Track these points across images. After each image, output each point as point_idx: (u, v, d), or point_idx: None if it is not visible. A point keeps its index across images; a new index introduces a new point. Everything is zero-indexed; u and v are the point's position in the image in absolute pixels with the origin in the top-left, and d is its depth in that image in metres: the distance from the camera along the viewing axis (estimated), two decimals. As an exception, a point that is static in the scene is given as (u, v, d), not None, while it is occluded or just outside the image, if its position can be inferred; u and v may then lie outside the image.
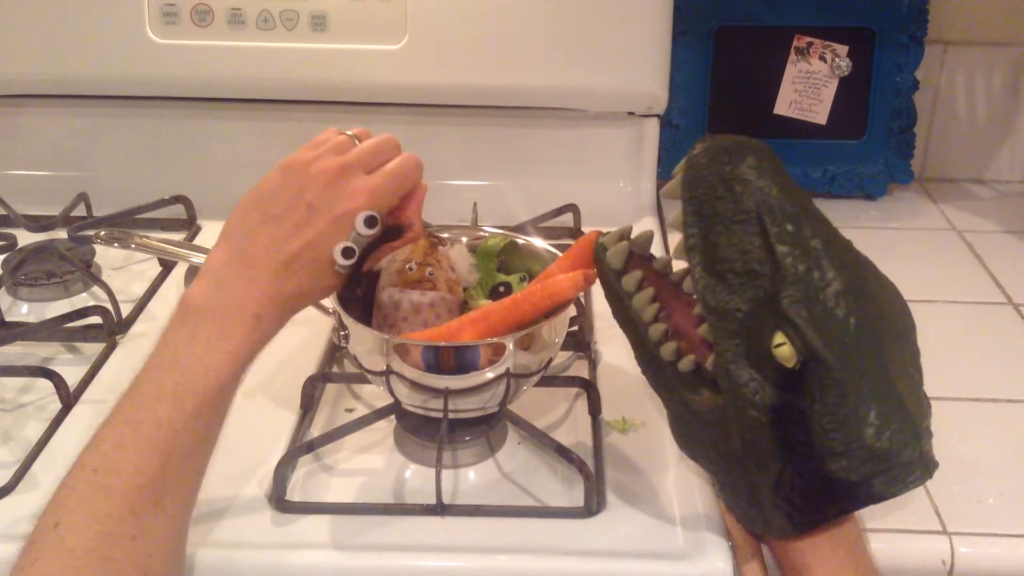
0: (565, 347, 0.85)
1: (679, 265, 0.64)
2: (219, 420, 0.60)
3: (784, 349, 0.56)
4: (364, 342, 0.71)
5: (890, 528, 0.69)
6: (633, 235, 0.65)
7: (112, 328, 0.89)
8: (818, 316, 0.55)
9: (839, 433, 0.56)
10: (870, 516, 0.69)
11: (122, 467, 0.55)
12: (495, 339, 0.69)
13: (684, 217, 0.61)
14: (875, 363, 0.57)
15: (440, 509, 0.69)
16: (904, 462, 0.57)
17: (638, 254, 0.65)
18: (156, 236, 0.92)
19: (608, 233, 0.66)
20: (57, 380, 0.79)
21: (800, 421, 0.57)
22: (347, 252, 0.61)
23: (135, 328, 0.91)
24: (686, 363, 0.62)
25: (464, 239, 0.81)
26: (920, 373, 0.61)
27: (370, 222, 0.61)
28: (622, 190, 1.16)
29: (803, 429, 0.57)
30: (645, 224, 1.09)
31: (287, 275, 0.60)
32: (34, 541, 0.54)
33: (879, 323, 0.58)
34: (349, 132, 0.66)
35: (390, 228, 0.64)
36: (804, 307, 0.55)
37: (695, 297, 0.62)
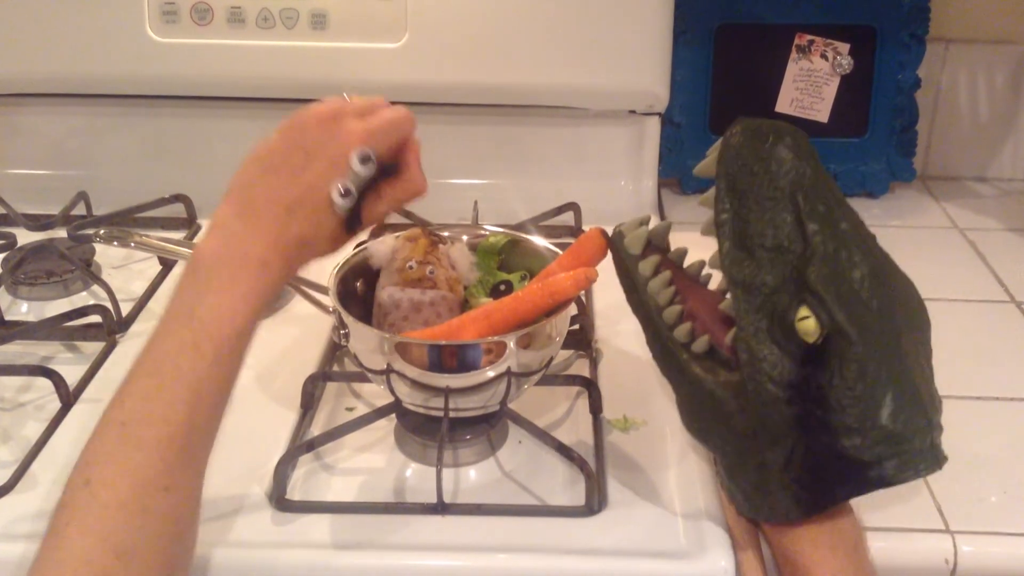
0: (566, 345, 0.85)
1: (694, 259, 0.67)
2: (238, 367, 0.60)
3: (808, 323, 0.57)
4: (365, 341, 0.71)
5: (893, 527, 0.69)
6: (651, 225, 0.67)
7: (112, 327, 0.88)
8: (844, 293, 0.57)
9: (856, 410, 0.57)
10: (873, 514, 0.69)
11: (150, 419, 0.55)
12: (496, 338, 0.68)
13: (717, 192, 0.62)
14: (894, 349, 0.58)
15: (441, 508, 0.68)
16: (916, 448, 0.58)
17: (654, 244, 0.67)
18: (156, 235, 0.92)
19: (626, 222, 0.67)
20: (57, 379, 0.79)
21: (817, 397, 0.58)
22: (344, 191, 0.61)
23: (135, 327, 0.91)
24: (701, 343, 0.64)
25: (465, 237, 0.81)
26: (932, 371, 0.62)
27: (364, 159, 0.61)
28: (623, 188, 1.15)
29: (820, 405, 0.58)
30: (646, 222, 1.09)
31: (289, 220, 0.60)
32: (66, 503, 0.53)
33: (899, 313, 0.59)
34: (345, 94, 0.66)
35: (386, 165, 0.63)
36: (831, 283, 0.57)
37: (713, 290, 0.63)
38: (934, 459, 0.59)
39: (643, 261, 0.66)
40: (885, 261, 0.61)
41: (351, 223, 0.63)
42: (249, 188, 0.61)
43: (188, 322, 0.58)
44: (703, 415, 0.65)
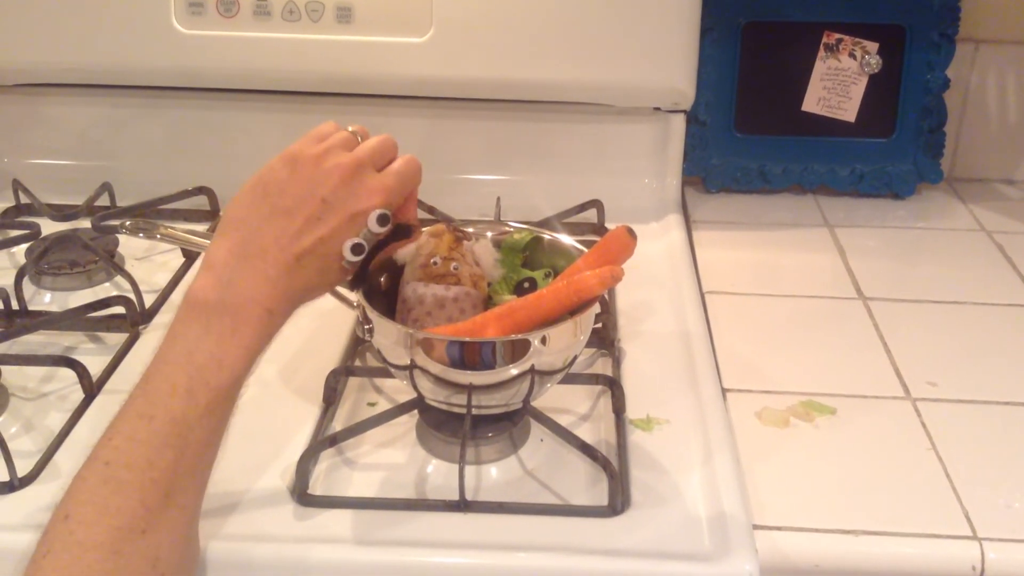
0: (589, 344, 0.84)
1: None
2: (230, 413, 0.60)
3: None
4: (388, 336, 0.70)
5: (919, 532, 0.68)
6: None
7: (135, 318, 0.88)
8: None
9: None
10: (899, 520, 0.68)
11: (134, 461, 0.55)
12: (520, 335, 0.68)
13: None
14: None
15: (463, 505, 0.68)
16: None
17: None
18: (180, 227, 0.92)
19: None
20: (80, 369, 0.79)
21: None
22: (356, 248, 0.62)
23: (158, 319, 0.91)
24: None
25: (489, 234, 0.80)
26: None
27: (383, 220, 0.63)
28: (647, 186, 1.15)
29: None
30: (670, 222, 1.08)
31: (298, 270, 0.61)
32: (47, 532, 0.54)
33: None
34: (350, 128, 0.67)
35: (397, 227, 0.66)
36: None
37: None
38: None
39: None
40: None
41: (356, 278, 0.66)
42: (255, 229, 0.61)
43: (184, 366, 0.57)
44: None
